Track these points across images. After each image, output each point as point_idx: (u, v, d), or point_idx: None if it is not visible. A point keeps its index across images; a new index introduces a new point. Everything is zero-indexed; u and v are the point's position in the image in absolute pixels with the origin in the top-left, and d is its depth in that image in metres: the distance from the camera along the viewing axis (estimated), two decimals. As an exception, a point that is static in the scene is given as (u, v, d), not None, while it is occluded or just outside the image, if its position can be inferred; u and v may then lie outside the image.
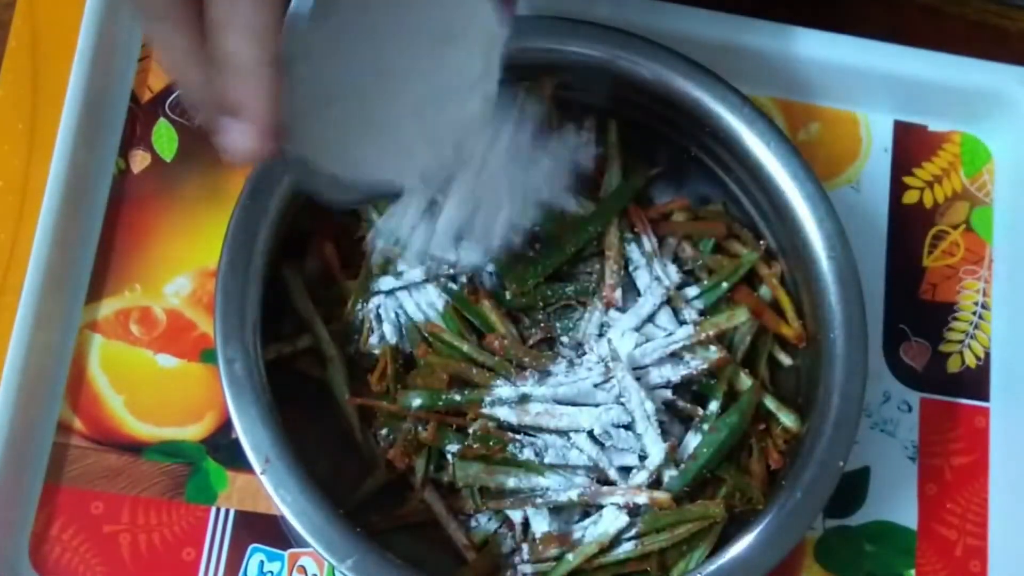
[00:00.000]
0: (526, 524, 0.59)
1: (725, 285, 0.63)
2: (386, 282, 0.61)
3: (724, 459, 0.60)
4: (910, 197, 0.72)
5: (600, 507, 0.59)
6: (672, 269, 0.63)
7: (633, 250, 0.63)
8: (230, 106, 0.42)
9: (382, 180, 0.50)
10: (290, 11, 0.43)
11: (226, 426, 0.63)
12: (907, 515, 0.66)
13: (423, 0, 0.46)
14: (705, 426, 0.60)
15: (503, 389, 0.58)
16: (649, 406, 0.59)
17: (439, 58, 0.47)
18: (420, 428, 0.59)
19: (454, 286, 0.61)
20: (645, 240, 0.63)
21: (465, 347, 0.59)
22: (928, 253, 0.71)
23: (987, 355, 0.70)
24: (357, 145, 0.48)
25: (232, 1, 0.41)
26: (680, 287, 0.63)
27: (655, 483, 0.59)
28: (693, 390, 0.62)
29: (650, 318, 0.62)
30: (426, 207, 0.59)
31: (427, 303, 0.61)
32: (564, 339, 0.61)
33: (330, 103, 0.46)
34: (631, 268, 0.62)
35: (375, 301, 0.61)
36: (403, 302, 0.61)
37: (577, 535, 0.58)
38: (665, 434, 0.59)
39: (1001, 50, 0.72)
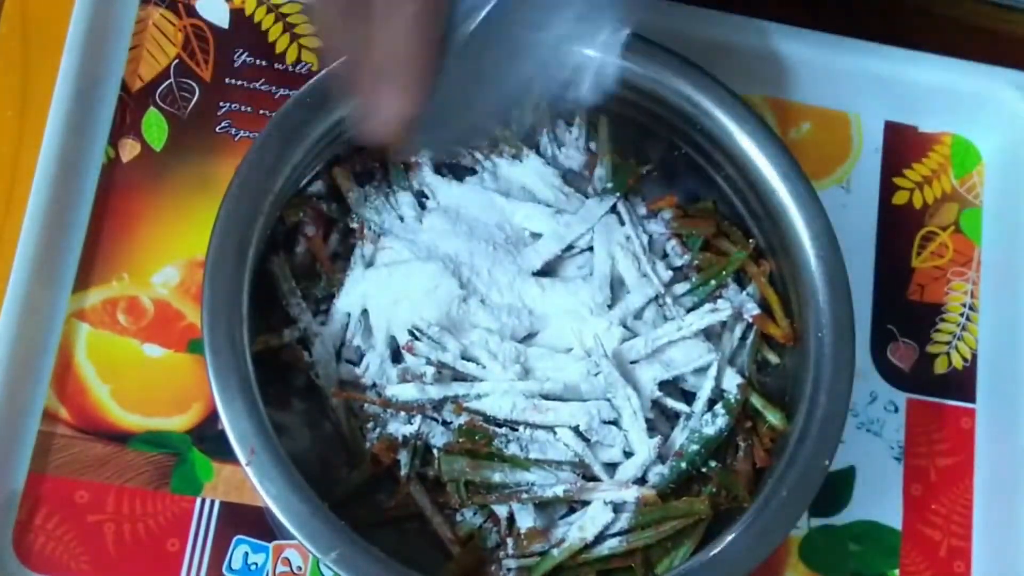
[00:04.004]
0: (511, 519, 0.58)
1: (713, 283, 0.63)
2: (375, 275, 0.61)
3: (710, 456, 0.60)
4: (900, 198, 0.72)
5: (586, 503, 0.59)
6: (661, 266, 0.63)
7: (622, 247, 0.63)
8: (382, 71, 0.44)
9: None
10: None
11: (212, 417, 0.62)
12: (892, 515, 0.66)
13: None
14: (692, 423, 0.60)
15: (489, 384, 0.58)
16: (635, 402, 0.59)
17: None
18: (407, 422, 0.59)
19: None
20: (634, 237, 0.63)
21: (450, 342, 0.59)
22: (917, 254, 0.71)
23: (974, 357, 0.70)
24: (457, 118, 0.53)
25: None
26: (668, 284, 0.63)
27: (641, 479, 0.59)
28: (680, 387, 0.62)
29: (638, 315, 0.62)
30: None
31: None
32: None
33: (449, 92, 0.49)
34: (619, 265, 0.62)
35: (362, 294, 0.61)
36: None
37: (562, 530, 0.58)
38: (652, 431, 0.59)
39: (992, 52, 0.72)
